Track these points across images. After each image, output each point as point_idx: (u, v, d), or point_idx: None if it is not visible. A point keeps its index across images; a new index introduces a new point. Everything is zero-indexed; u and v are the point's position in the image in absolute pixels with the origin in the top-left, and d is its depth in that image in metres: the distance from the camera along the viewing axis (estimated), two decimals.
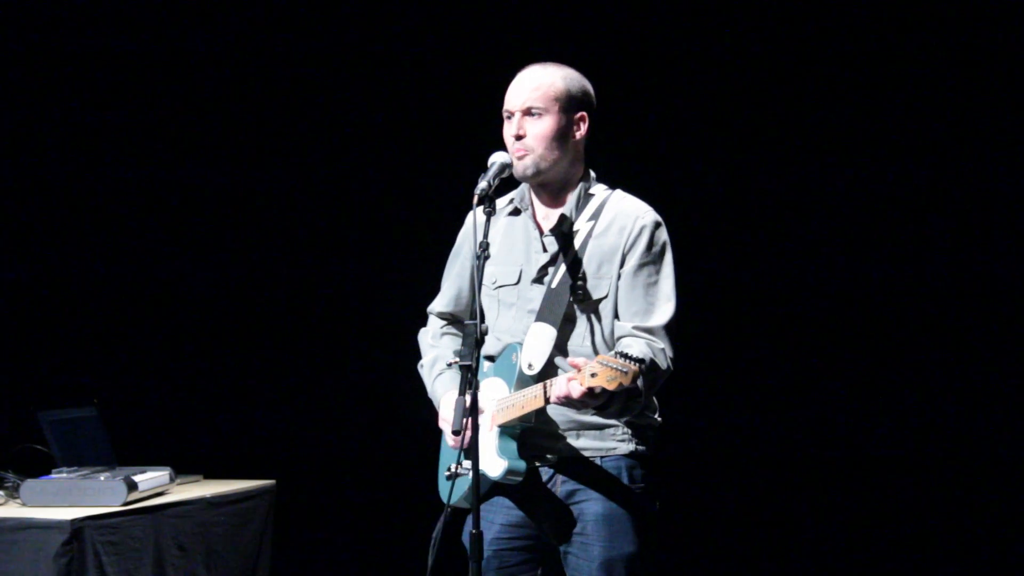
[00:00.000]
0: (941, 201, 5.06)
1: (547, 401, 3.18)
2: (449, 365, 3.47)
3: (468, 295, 3.56)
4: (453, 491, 3.37)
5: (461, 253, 3.56)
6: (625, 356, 3.00)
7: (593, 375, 3.03)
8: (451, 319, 3.61)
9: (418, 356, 3.62)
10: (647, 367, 3.11)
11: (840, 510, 5.18)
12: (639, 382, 3.08)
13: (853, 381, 5.17)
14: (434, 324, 3.62)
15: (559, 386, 3.12)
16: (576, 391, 3.07)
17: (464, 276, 3.55)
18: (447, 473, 3.39)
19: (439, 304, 3.62)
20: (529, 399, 3.21)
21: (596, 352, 3.29)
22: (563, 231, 3.36)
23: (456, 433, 3.05)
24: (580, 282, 3.31)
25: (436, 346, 3.57)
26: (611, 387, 3.02)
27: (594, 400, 3.09)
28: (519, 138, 3.32)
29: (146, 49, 5.82)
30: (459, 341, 3.55)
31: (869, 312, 5.15)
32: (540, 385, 3.19)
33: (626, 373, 2.99)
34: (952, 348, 5.07)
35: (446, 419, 3.39)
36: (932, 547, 5.08)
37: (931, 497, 5.07)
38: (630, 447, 3.32)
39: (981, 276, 5.02)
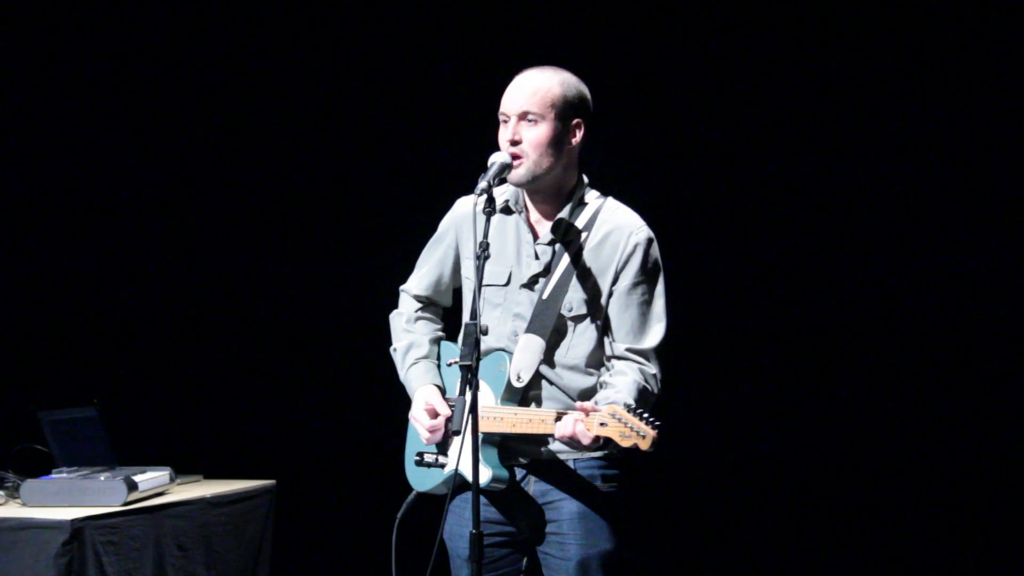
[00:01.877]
0: (938, 204, 5.06)
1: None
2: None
3: (448, 283, 3.55)
4: (426, 480, 3.40)
5: (445, 240, 3.53)
6: (641, 415, 3.04)
7: (603, 425, 3.06)
8: (427, 302, 3.59)
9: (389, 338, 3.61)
10: (646, 401, 3.18)
11: (822, 511, 5.18)
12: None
13: (837, 384, 5.16)
14: (409, 306, 3.60)
15: (565, 426, 3.14)
16: (585, 438, 3.11)
17: (446, 263, 3.53)
18: (416, 459, 3.39)
19: (416, 286, 3.59)
20: (532, 422, 3.22)
21: (588, 364, 3.31)
22: (559, 239, 3.36)
23: (456, 433, 3.06)
24: (572, 295, 3.32)
25: (411, 331, 3.56)
26: (624, 444, 3.06)
27: (596, 444, 3.12)
28: (514, 143, 3.31)
29: (144, 47, 5.82)
30: (434, 326, 3.58)
31: (857, 316, 5.15)
32: (550, 413, 3.20)
33: (644, 437, 3.04)
34: (946, 350, 5.07)
35: (416, 418, 3.40)
36: (927, 550, 5.08)
37: (927, 500, 5.07)
38: (604, 450, 3.31)
39: (979, 277, 5.01)
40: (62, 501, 4.16)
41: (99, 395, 5.01)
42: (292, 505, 5.29)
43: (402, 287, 3.64)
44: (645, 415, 3.04)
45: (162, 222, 5.89)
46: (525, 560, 3.39)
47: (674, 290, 3.38)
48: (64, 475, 4.30)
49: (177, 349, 5.86)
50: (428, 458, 3.39)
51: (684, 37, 5.28)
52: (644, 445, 3.03)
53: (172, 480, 4.57)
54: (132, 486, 4.23)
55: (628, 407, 3.06)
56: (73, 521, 3.95)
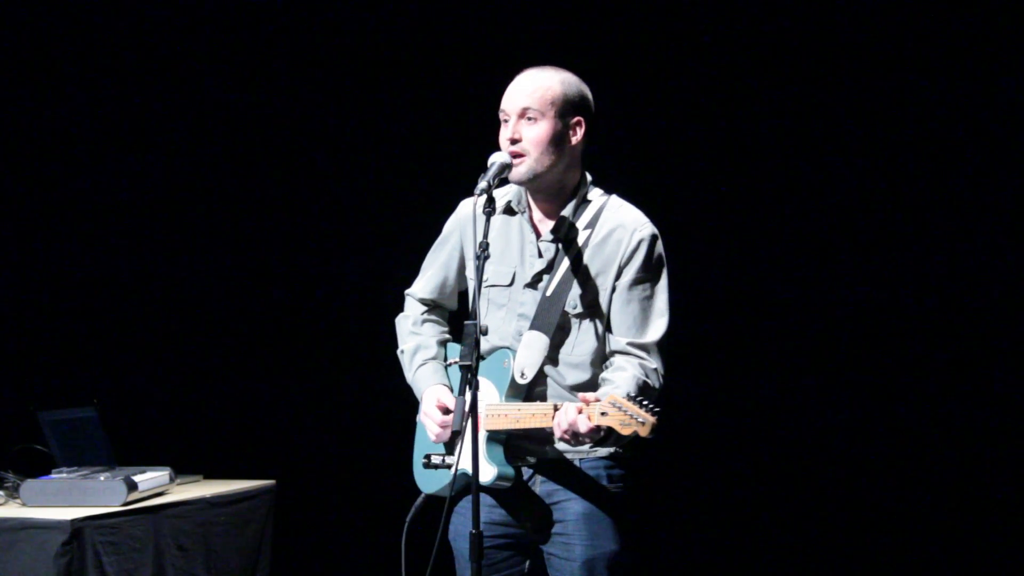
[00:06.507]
0: (937, 205, 5.06)
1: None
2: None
3: (454, 285, 3.56)
4: (432, 481, 3.39)
5: (449, 242, 3.54)
6: (641, 403, 3.02)
7: (603, 414, 3.05)
8: (432, 305, 3.60)
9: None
10: (647, 394, 3.15)
11: (826, 511, 5.17)
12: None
13: (840, 383, 5.16)
14: (415, 309, 3.60)
15: (566, 415, 3.12)
16: (583, 426, 3.08)
17: (451, 266, 3.54)
18: (424, 461, 3.38)
19: (421, 289, 3.60)
20: (534, 415, 3.20)
21: (592, 361, 3.31)
22: (561, 237, 3.36)
23: (456, 434, 3.05)
24: (575, 292, 3.32)
25: (419, 333, 3.56)
26: (624, 432, 3.04)
27: (596, 434, 3.10)
28: (514, 142, 3.31)
29: (143, 46, 5.82)
30: (440, 328, 3.58)
31: (861, 315, 5.14)
32: (549, 405, 3.19)
33: (644, 424, 3.02)
34: (948, 351, 5.07)
35: (428, 414, 3.39)
36: (927, 550, 5.08)
37: (927, 500, 5.07)
38: (609, 449, 3.31)
39: (977, 278, 5.01)
40: (62, 501, 4.16)
41: (99, 395, 5.01)
42: (292, 505, 5.29)
43: (407, 291, 3.64)
44: (644, 402, 3.03)
45: (162, 222, 5.89)
46: (528, 563, 3.38)
47: (676, 290, 3.38)
48: (64, 475, 4.30)
49: (177, 349, 5.87)
50: (435, 459, 3.37)
51: (684, 36, 5.29)
52: (644, 432, 3.02)
53: (172, 480, 4.57)
54: (132, 486, 4.23)
55: (628, 396, 3.05)
56: (73, 521, 3.95)
